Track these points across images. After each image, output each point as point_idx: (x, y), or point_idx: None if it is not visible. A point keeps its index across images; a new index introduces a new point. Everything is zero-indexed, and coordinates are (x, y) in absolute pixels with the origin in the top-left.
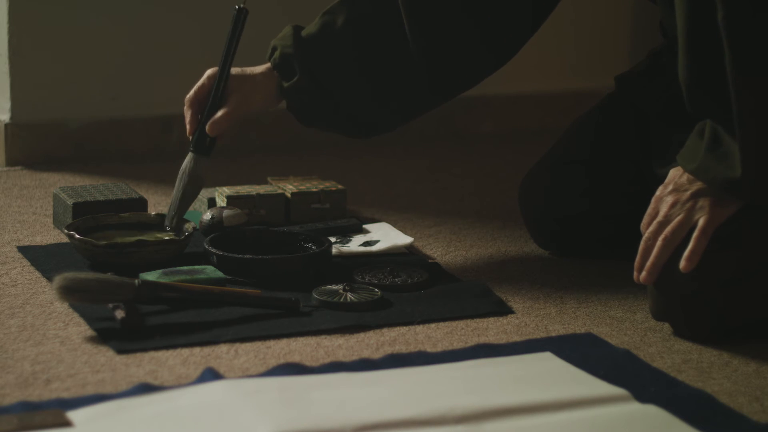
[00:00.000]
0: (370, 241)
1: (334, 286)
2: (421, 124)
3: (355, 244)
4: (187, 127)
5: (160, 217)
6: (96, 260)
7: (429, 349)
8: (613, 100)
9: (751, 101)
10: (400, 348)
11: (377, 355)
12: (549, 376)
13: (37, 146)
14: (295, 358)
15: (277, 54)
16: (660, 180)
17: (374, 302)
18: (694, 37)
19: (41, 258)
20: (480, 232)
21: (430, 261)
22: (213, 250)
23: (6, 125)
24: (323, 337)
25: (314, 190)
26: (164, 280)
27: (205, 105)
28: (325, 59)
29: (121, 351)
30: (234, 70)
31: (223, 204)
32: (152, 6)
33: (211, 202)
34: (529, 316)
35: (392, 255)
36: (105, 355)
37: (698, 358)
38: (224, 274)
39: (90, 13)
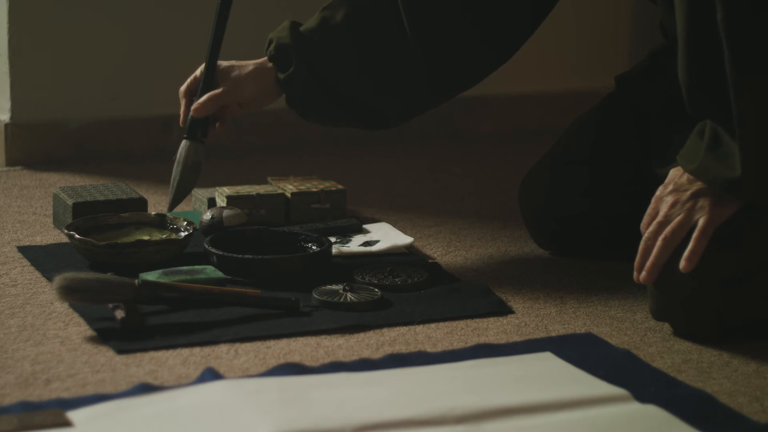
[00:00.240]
0: (370, 241)
1: (334, 286)
2: (421, 124)
3: (355, 244)
4: (181, 117)
5: (160, 217)
6: (96, 260)
7: (429, 349)
8: (613, 100)
9: (751, 101)
10: (400, 348)
11: (377, 355)
12: (549, 376)
13: (37, 146)
14: (295, 358)
15: (272, 46)
16: (660, 180)
17: (374, 302)
18: (694, 37)
19: (41, 258)
20: (480, 232)
21: (430, 261)
22: (213, 250)
23: (6, 125)
24: (323, 337)
25: (314, 190)
26: (164, 280)
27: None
28: (323, 53)
29: (121, 351)
30: (226, 63)
31: (223, 204)
32: (152, 6)
33: (211, 202)
34: (529, 316)
35: (392, 255)
36: (105, 355)
37: (698, 358)
38: (224, 274)
39: (90, 13)
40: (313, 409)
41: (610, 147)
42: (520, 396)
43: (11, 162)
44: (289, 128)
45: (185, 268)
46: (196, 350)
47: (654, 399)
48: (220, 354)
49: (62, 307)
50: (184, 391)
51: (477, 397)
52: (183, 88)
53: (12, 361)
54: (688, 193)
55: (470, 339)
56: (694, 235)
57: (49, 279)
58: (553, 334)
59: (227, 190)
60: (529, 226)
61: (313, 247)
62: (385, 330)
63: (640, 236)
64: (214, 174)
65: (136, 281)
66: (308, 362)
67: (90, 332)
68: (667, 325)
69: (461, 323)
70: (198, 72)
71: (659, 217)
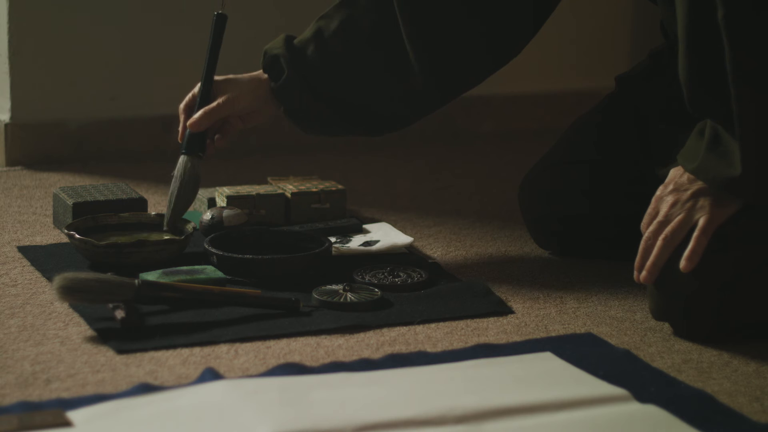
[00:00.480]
0: (370, 241)
1: (334, 286)
2: (421, 124)
3: (355, 244)
4: (179, 132)
5: (160, 217)
6: (96, 260)
7: (429, 349)
8: (614, 100)
9: (752, 101)
10: (400, 348)
11: (377, 355)
12: (549, 376)
13: (37, 146)
14: (295, 358)
15: (266, 57)
16: (660, 180)
17: (374, 302)
18: (695, 36)
19: (41, 258)
20: (480, 232)
21: (430, 261)
22: (213, 250)
23: (6, 125)
24: (323, 337)
25: (314, 190)
26: (164, 280)
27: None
28: (317, 64)
29: (121, 351)
30: (222, 77)
31: (223, 204)
32: (152, 6)
33: (211, 202)
34: (529, 316)
35: (392, 255)
36: (105, 355)
37: (698, 358)
38: (224, 274)
39: (90, 14)
40: (313, 409)
41: (611, 147)
42: (520, 396)
43: (11, 162)
44: (289, 128)
45: (185, 268)
46: (196, 350)
47: (654, 399)
48: (220, 354)
49: (62, 307)
50: (184, 391)
51: (477, 397)
52: (182, 104)
53: (12, 361)
54: (689, 192)
55: (470, 339)
56: (695, 234)
57: (49, 279)
58: (553, 334)
59: (227, 190)
60: (529, 226)
61: (313, 247)
62: (385, 330)
63: (640, 236)
64: (214, 174)
65: (136, 281)
66: (308, 362)
67: (90, 332)
68: (667, 325)
69: (461, 323)
70: (196, 89)
71: (659, 217)
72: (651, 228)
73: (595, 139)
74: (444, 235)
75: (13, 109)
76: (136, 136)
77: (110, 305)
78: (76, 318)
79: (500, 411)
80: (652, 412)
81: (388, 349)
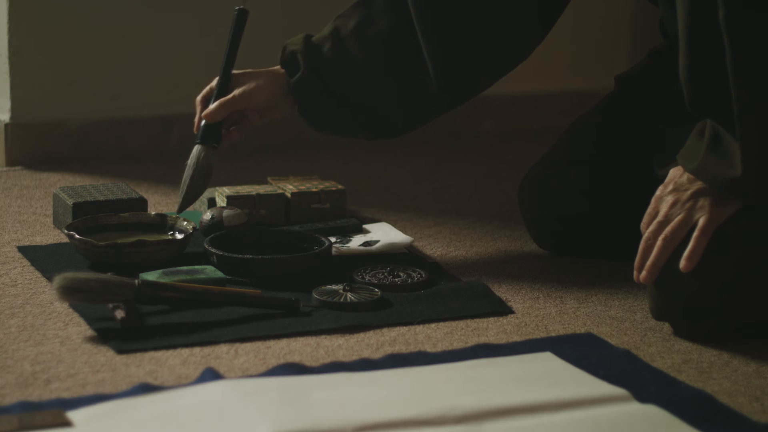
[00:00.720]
0: (370, 241)
1: (334, 286)
2: None
3: (355, 244)
4: (195, 123)
5: (160, 217)
6: (96, 260)
7: (429, 349)
8: (614, 100)
9: (752, 101)
10: (400, 348)
11: (377, 355)
12: (549, 376)
13: (37, 146)
14: (295, 358)
15: (285, 52)
16: (660, 180)
17: (374, 302)
18: (695, 35)
19: (41, 258)
20: (480, 232)
21: (430, 261)
22: (213, 250)
23: (6, 125)
24: (323, 337)
25: (314, 190)
26: (164, 280)
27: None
28: (332, 62)
29: (121, 351)
30: (240, 71)
31: (223, 204)
32: (152, 6)
33: (211, 202)
34: (529, 316)
35: (392, 255)
36: (105, 355)
37: (698, 358)
38: (224, 274)
39: (90, 13)
40: (313, 409)
41: (611, 147)
42: (520, 396)
43: (11, 162)
44: (289, 128)
45: (185, 268)
46: (196, 350)
47: (654, 399)
48: (220, 354)
49: (62, 307)
50: (184, 391)
51: (477, 397)
52: (199, 96)
53: (12, 361)
54: (689, 192)
55: (470, 339)
56: (695, 234)
57: (49, 279)
58: (553, 334)
59: (227, 190)
60: (529, 226)
61: (313, 247)
62: (385, 330)
63: (640, 236)
64: (214, 174)
65: (136, 281)
66: (308, 362)
67: (90, 332)
68: (667, 325)
69: (461, 323)
70: (214, 82)
71: (659, 217)
72: (651, 228)
73: (594, 139)
74: (444, 235)
75: (13, 109)
76: (136, 136)
77: (110, 305)
78: (76, 318)
79: (500, 411)
80: (652, 412)
81: (388, 349)
